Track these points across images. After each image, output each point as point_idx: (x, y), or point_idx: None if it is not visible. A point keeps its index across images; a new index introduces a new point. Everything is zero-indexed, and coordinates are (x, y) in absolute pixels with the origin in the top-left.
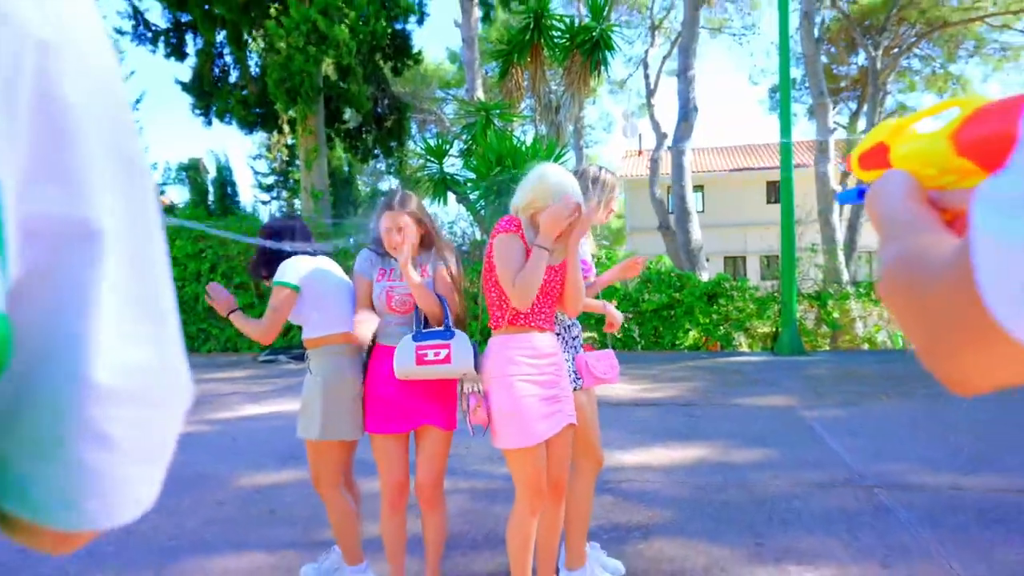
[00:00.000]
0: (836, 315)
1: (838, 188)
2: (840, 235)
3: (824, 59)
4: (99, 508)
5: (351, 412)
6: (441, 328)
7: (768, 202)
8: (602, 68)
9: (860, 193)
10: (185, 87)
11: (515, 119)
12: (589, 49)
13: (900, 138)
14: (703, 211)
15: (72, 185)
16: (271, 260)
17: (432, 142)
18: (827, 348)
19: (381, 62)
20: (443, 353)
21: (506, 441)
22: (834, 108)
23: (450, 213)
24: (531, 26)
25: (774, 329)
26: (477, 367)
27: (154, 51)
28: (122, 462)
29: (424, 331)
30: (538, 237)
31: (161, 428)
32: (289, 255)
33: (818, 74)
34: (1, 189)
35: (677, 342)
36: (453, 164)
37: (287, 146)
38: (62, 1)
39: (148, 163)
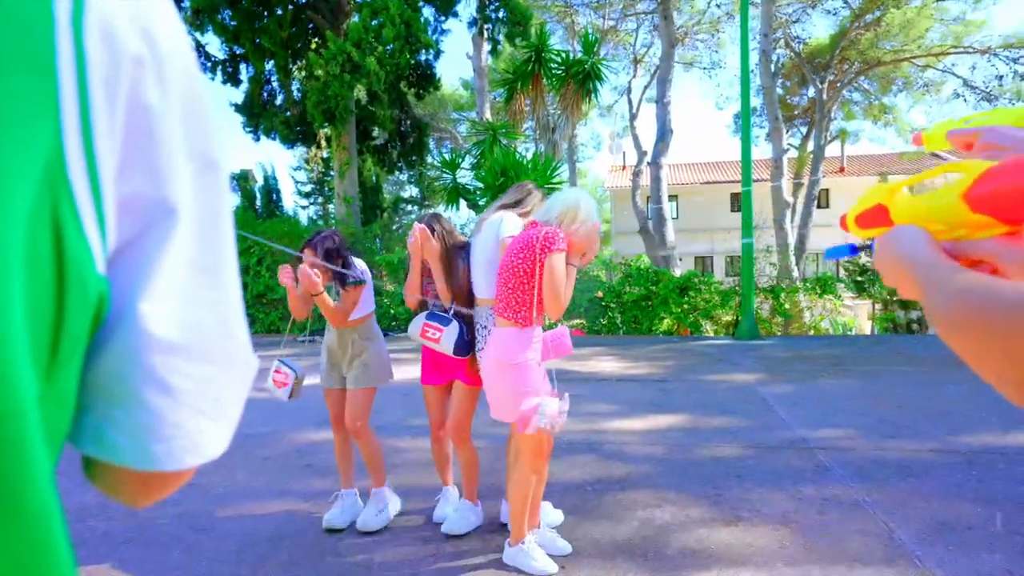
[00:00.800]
0: (787, 306)
1: (790, 199)
2: (791, 239)
3: (779, 91)
4: (164, 451)
5: (387, 365)
6: (444, 315)
7: (732, 210)
8: (592, 95)
9: (852, 249)
10: (238, 108)
11: (518, 137)
12: (581, 79)
13: (897, 199)
14: (677, 218)
15: (155, 172)
16: (337, 272)
17: (447, 156)
18: (779, 334)
19: (405, 88)
20: (436, 335)
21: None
22: (787, 132)
23: (462, 217)
24: (533, 59)
25: (735, 317)
26: (460, 352)
27: (213, 78)
28: (182, 410)
29: (435, 312)
30: (574, 258)
31: (221, 386)
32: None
33: (774, 103)
34: (102, 174)
35: (653, 328)
36: (465, 175)
37: (323, 159)
38: (154, 21)
39: (223, 160)
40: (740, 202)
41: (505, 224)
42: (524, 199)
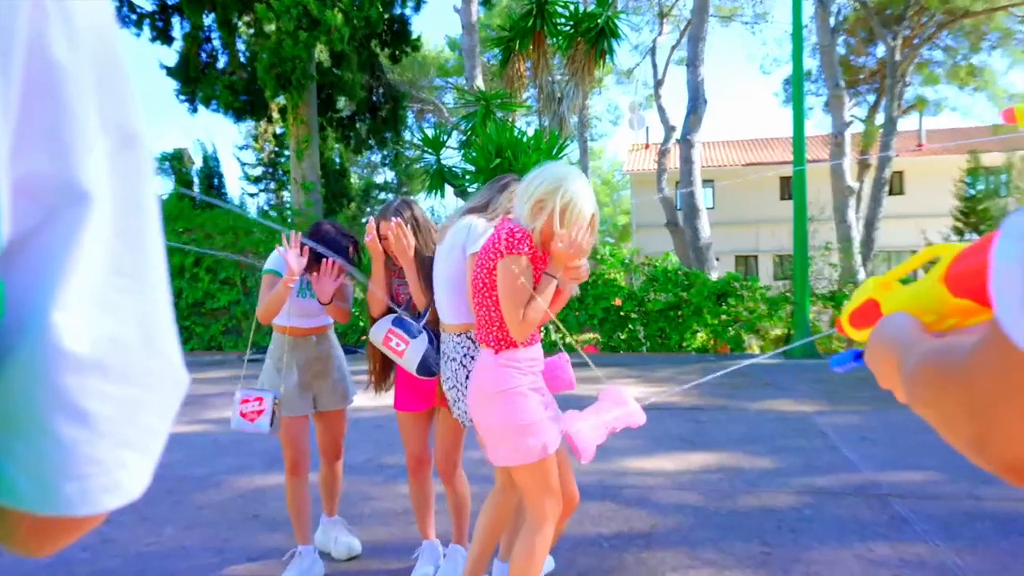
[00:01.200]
0: None
1: (854, 184)
2: (856, 233)
3: (841, 50)
4: (76, 492)
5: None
6: (413, 324)
7: (781, 198)
8: (607, 57)
9: (856, 355)
10: (170, 72)
11: (516, 109)
12: (594, 37)
13: (888, 292)
14: (713, 207)
15: (61, 148)
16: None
17: (429, 132)
18: (842, 351)
19: (377, 49)
20: (402, 346)
21: (525, 455)
22: (851, 101)
23: (447, 207)
24: (534, 12)
25: (786, 331)
26: (427, 372)
27: (138, 34)
28: (101, 442)
29: (403, 319)
30: (550, 266)
31: (147, 413)
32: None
33: (834, 65)
34: None
35: (684, 344)
36: (451, 156)
37: (276, 136)
38: None
39: (147, 134)
40: (791, 188)
41: (473, 234)
42: (492, 200)
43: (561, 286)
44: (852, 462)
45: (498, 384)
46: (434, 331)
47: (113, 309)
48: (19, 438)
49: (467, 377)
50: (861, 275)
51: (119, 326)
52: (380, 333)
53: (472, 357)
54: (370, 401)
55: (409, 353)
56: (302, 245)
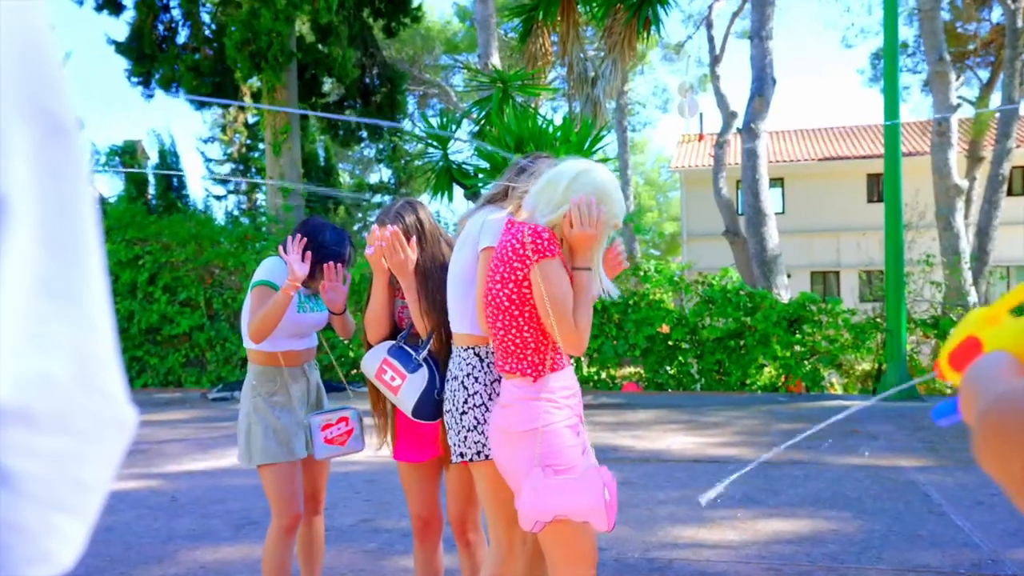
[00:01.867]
0: None
1: (962, 183)
2: (966, 243)
3: (945, 15)
4: None
5: None
6: (412, 355)
7: (869, 200)
8: (653, 28)
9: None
10: (120, 48)
11: (540, 93)
12: (636, 3)
13: (992, 327)
14: (783, 212)
15: None
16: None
17: (435, 121)
18: (948, 392)
19: (370, 20)
20: (397, 381)
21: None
22: (958, 78)
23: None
24: None
25: (876, 366)
26: (425, 414)
27: (81, 2)
28: (26, 506)
29: (402, 348)
30: (578, 257)
31: (83, 466)
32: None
33: (937, 34)
34: None
35: (748, 381)
36: (461, 150)
37: (247, 125)
38: None
39: (77, 124)
40: (882, 188)
41: (489, 226)
42: (511, 187)
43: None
44: (964, 532)
45: (532, 420)
46: (440, 361)
47: (41, 341)
48: None
49: (465, 401)
50: (972, 296)
51: (49, 362)
52: (373, 364)
53: (476, 378)
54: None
55: (404, 390)
56: (304, 250)
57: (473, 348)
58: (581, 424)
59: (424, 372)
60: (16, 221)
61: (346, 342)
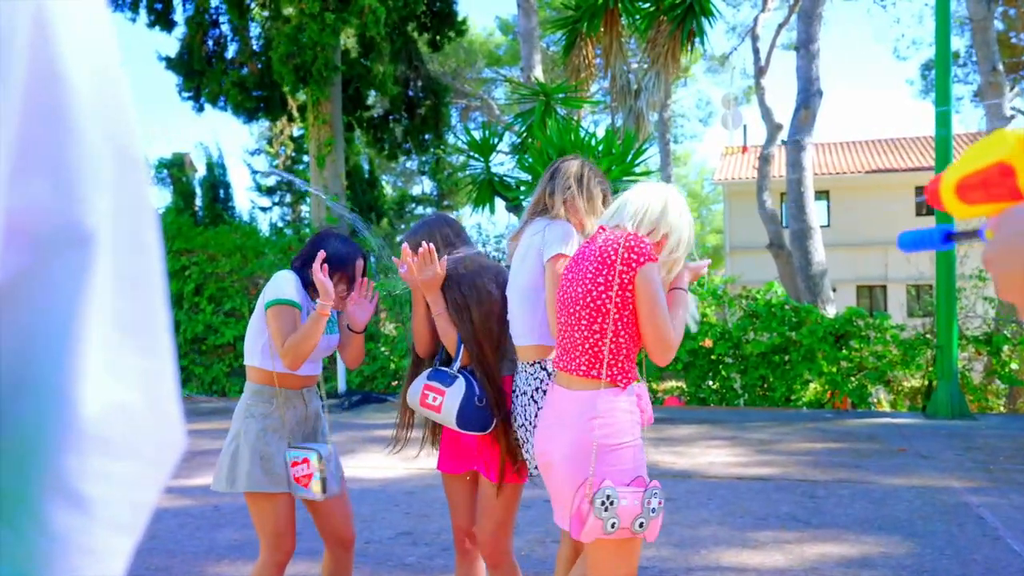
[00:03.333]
0: (1014, 366)
1: None
2: None
3: (998, 24)
4: None
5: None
6: (447, 371)
7: (918, 214)
8: (697, 39)
9: (946, 235)
10: (171, 64)
11: (583, 105)
12: (681, 15)
13: None
14: (828, 225)
15: (65, 179)
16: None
17: (477, 134)
18: (1001, 410)
19: (415, 33)
20: (438, 400)
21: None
22: (1012, 88)
23: (498, 224)
24: None
25: (926, 382)
26: (471, 424)
27: (134, 19)
28: (98, 530)
29: (438, 369)
30: (681, 281)
31: (142, 488)
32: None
33: (989, 44)
34: None
35: (793, 397)
36: (503, 162)
37: (292, 138)
38: None
39: (146, 159)
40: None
41: (551, 235)
42: (552, 196)
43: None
44: (1022, 558)
45: (620, 434)
46: (478, 374)
47: (120, 372)
48: (5, 523)
49: (536, 414)
50: None
51: (126, 392)
52: (416, 394)
53: (545, 392)
54: (401, 459)
55: (446, 405)
56: (327, 266)
57: (539, 362)
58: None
59: (461, 382)
60: (100, 256)
61: (387, 353)
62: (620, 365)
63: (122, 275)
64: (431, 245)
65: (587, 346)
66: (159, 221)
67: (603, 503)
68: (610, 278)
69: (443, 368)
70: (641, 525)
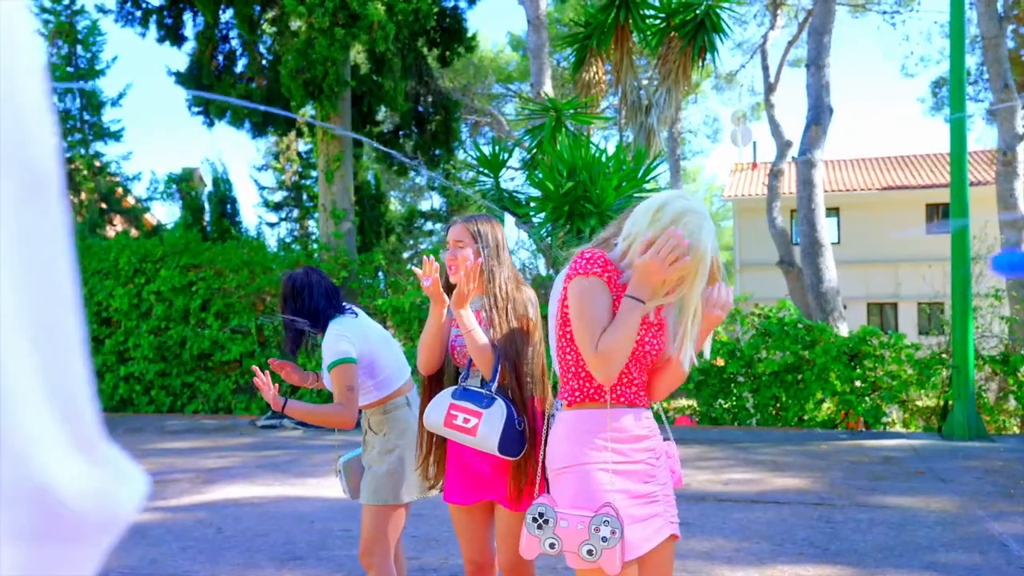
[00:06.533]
0: None
1: None
2: None
3: (1010, 42)
4: None
5: (395, 473)
6: (483, 392)
7: (929, 231)
8: (707, 56)
9: None
10: (180, 79)
11: (593, 121)
12: (691, 32)
13: None
14: (839, 242)
15: None
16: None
17: (487, 150)
18: (1016, 431)
19: (424, 49)
20: (472, 422)
21: (603, 558)
22: None
23: (508, 240)
24: (616, 2)
25: (941, 402)
26: (512, 449)
27: (144, 34)
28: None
29: (467, 388)
30: (633, 285)
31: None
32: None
33: (1001, 62)
34: None
35: (806, 416)
36: (513, 178)
37: (300, 154)
38: None
39: (59, 175)
40: (942, 217)
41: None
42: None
43: (642, 312)
44: None
45: (564, 457)
46: (514, 397)
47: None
48: None
49: None
50: None
51: (48, 466)
52: (439, 414)
53: None
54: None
55: (483, 427)
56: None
57: None
58: (648, 473)
59: (501, 405)
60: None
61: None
62: (568, 383)
63: (30, 319)
64: (480, 260)
65: (560, 370)
66: (158, 230)
67: (535, 519)
68: (560, 297)
69: (471, 388)
70: (590, 552)
